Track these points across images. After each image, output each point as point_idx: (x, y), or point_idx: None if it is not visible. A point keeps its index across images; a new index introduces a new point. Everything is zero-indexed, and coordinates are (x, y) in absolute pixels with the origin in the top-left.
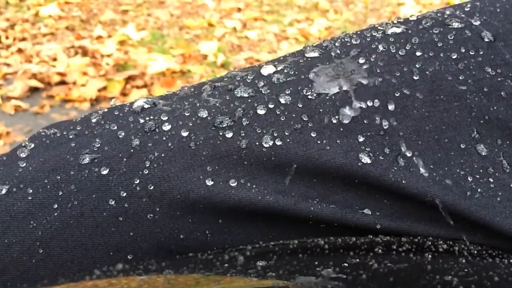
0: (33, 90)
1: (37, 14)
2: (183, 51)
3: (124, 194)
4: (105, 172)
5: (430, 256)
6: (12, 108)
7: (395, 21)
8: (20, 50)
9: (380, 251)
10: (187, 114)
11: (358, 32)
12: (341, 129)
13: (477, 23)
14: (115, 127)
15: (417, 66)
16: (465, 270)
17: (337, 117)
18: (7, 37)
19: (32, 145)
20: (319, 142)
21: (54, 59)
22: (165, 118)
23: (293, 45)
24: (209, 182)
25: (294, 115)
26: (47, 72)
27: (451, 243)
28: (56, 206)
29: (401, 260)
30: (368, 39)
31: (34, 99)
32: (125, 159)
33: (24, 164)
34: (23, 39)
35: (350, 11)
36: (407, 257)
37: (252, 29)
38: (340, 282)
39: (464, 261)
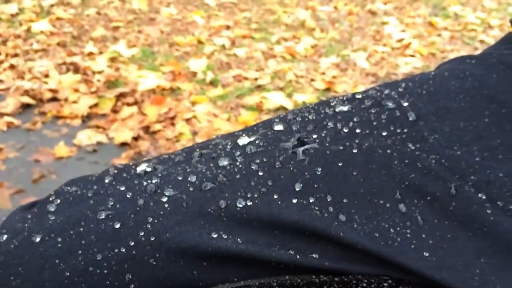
0: (25, 106)
1: (29, 30)
2: (173, 68)
3: (132, 243)
4: (117, 226)
5: None
6: (5, 125)
7: (344, 98)
8: (12, 66)
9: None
10: (180, 179)
11: (316, 107)
12: (297, 192)
13: (406, 104)
14: (124, 188)
15: (356, 141)
16: None
17: (295, 183)
18: None
19: (58, 201)
20: (280, 202)
21: (46, 76)
22: (163, 182)
23: (280, 63)
24: (196, 234)
25: (261, 181)
26: (39, 88)
27: (374, 279)
28: (80, 252)
29: None
30: (321, 116)
31: (26, 116)
32: (132, 215)
33: (53, 217)
34: (15, 55)
35: (335, 30)
36: None
37: (240, 46)
38: None
39: None
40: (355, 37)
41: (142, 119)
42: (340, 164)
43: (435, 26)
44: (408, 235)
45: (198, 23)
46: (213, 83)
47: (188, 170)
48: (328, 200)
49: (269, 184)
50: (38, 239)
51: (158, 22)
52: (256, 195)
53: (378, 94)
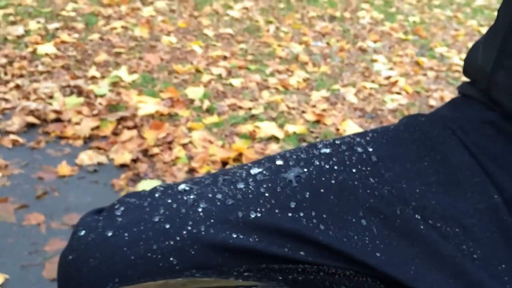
0: (30, 126)
1: (34, 52)
2: (171, 95)
3: (178, 238)
4: (167, 226)
5: (322, 274)
6: (10, 142)
7: (327, 143)
8: (17, 86)
9: (295, 273)
10: (210, 196)
11: (306, 148)
12: (292, 209)
13: (370, 149)
14: (170, 201)
15: (334, 175)
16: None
17: (290, 202)
18: (5, 73)
19: (123, 208)
20: (279, 215)
21: (51, 97)
22: (198, 197)
23: (274, 94)
24: (222, 234)
25: (267, 199)
26: (44, 109)
27: (342, 271)
28: (141, 243)
29: (307, 276)
30: (310, 155)
31: (30, 135)
32: (177, 220)
33: (120, 219)
34: (21, 75)
35: (327, 65)
36: (309, 275)
37: (236, 77)
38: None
39: (337, 277)
40: (345, 73)
41: (141, 143)
42: (322, 190)
43: (422, 65)
44: (366, 241)
45: (197, 52)
46: (209, 111)
47: (215, 190)
48: (313, 215)
49: (272, 202)
50: (110, 234)
51: (158, 50)
52: (263, 210)
53: (351, 141)
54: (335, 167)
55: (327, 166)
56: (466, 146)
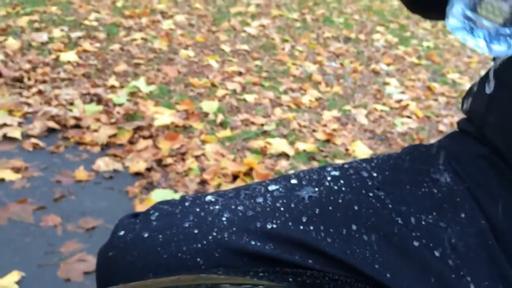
0: (51, 130)
1: (57, 59)
2: (187, 108)
3: (204, 242)
4: (196, 231)
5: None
6: (31, 146)
7: (336, 166)
8: (40, 92)
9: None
10: (233, 207)
11: (318, 170)
12: (303, 222)
13: (375, 174)
14: (198, 210)
15: (341, 195)
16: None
17: (302, 216)
18: (29, 79)
19: (157, 213)
20: (292, 227)
21: (71, 104)
22: (222, 208)
23: (286, 112)
24: (242, 241)
25: (282, 213)
26: (64, 115)
27: (344, 278)
28: (173, 244)
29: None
30: (321, 176)
31: (50, 139)
32: (204, 226)
33: (155, 223)
34: (44, 81)
35: (340, 85)
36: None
37: (250, 93)
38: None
39: (340, 283)
40: (357, 94)
41: (156, 152)
42: (330, 208)
43: (433, 90)
44: (367, 254)
45: (213, 67)
46: (222, 125)
47: (238, 202)
48: (321, 228)
49: (287, 215)
50: (146, 235)
51: (176, 63)
52: (279, 222)
53: (358, 165)
54: (343, 189)
55: (335, 187)
56: (459, 176)
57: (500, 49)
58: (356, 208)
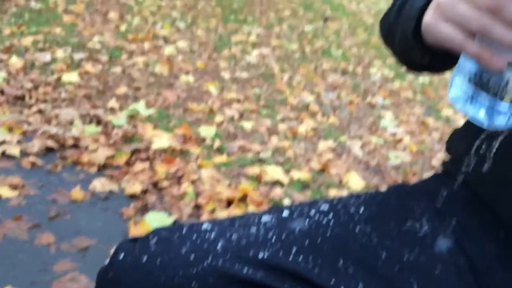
0: (49, 149)
1: (59, 79)
2: (184, 132)
3: (200, 268)
4: (192, 257)
5: None
6: (29, 164)
7: (326, 201)
8: (40, 111)
9: None
10: (227, 236)
11: (309, 204)
12: (293, 252)
13: (361, 210)
14: (195, 237)
15: (329, 229)
16: None
17: (292, 247)
18: (30, 97)
19: (156, 238)
20: (283, 257)
21: (71, 124)
22: (218, 236)
23: (282, 140)
24: (235, 267)
25: (273, 243)
26: (63, 135)
27: None
28: (170, 268)
29: None
30: (311, 210)
31: (48, 158)
32: (200, 253)
33: (154, 248)
34: (45, 101)
35: (336, 116)
36: None
37: (248, 120)
38: None
39: None
40: (353, 126)
41: (152, 175)
42: (318, 241)
43: (427, 125)
44: (352, 285)
45: (212, 93)
46: (219, 150)
47: (232, 231)
48: (310, 259)
49: (278, 246)
50: (145, 259)
51: (176, 87)
52: (270, 251)
53: (347, 201)
54: (331, 223)
55: (324, 222)
56: (440, 214)
57: (500, 123)
58: (343, 241)
